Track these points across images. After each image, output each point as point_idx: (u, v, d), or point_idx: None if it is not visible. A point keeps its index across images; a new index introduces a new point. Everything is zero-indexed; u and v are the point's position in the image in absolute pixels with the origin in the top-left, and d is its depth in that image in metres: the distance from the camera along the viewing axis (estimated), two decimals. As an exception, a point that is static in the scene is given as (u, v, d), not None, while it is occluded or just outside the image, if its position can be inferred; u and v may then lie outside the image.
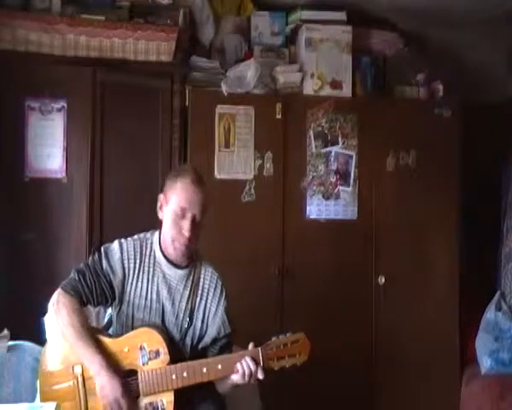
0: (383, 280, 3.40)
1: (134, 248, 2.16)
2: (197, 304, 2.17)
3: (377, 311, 3.41)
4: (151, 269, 2.15)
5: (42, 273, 2.95)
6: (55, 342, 2.10)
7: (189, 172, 2.16)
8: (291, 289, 3.28)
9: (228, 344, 2.20)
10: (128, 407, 2.00)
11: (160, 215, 2.18)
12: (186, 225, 2.09)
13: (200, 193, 2.12)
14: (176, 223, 2.10)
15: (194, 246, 2.16)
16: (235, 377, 2.02)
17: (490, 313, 3.54)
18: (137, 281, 2.14)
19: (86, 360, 2.02)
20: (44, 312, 2.10)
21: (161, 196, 2.18)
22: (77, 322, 2.03)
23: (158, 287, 2.14)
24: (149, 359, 2.03)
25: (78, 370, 2.05)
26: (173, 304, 2.15)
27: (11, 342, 2.49)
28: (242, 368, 2.00)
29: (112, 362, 2.02)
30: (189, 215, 2.09)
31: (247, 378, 2.00)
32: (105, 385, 1.99)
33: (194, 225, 2.10)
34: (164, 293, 2.14)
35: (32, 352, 2.44)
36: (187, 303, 2.16)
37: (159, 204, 2.18)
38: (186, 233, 2.09)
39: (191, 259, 2.18)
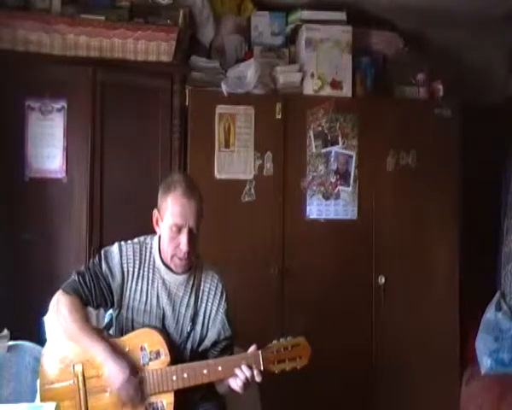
0: (383, 280, 3.40)
1: (134, 252, 2.15)
2: (197, 308, 2.16)
3: (377, 311, 3.41)
4: (150, 274, 2.15)
5: (42, 273, 2.95)
6: (56, 342, 2.10)
7: (178, 184, 2.10)
8: (291, 289, 3.28)
9: (228, 346, 2.19)
10: (138, 386, 1.99)
11: (158, 231, 2.16)
12: (183, 239, 2.06)
13: (192, 203, 2.08)
14: (173, 239, 2.08)
15: (195, 254, 2.14)
16: (233, 385, 2.02)
17: (490, 314, 3.54)
18: (136, 285, 2.14)
19: (92, 350, 2.02)
20: (44, 312, 2.10)
21: (155, 212, 2.16)
22: (78, 317, 2.03)
23: (158, 292, 2.14)
24: (150, 359, 2.03)
25: (78, 369, 2.05)
26: (173, 309, 2.14)
27: (11, 342, 2.48)
28: (239, 376, 1.99)
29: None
30: (184, 230, 2.06)
31: (247, 383, 2.00)
32: (114, 370, 1.98)
33: (192, 236, 2.07)
34: (164, 298, 2.14)
35: (32, 352, 2.44)
36: (187, 308, 2.15)
37: (154, 220, 2.16)
38: (184, 248, 2.06)
39: (191, 264, 2.16)
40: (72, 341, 2.06)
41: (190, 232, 2.07)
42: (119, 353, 2.01)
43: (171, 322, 2.14)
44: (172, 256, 2.10)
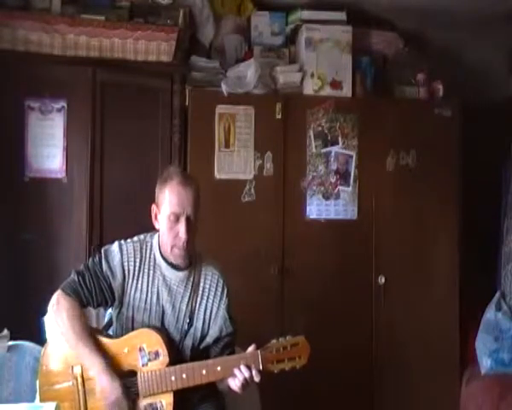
0: (383, 280, 3.40)
1: (134, 251, 2.15)
2: (198, 305, 2.17)
3: (377, 311, 3.41)
4: (151, 272, 2.15)
5: (42, 273, 2.95)
6: (55, 343, 2.10)
7: (174, 175, 2.14)
8: (291, 289, 3.28)
9: (230, 343, 2.19)
10: (128, 408, 2.00)
11: (157, 225, 2.17)
12: (182, 228, 2.08)
13: (189, 192, 2.10)
14: (172, 229, 2.09)
15: (193, 245, 2.15)
16: (232, 385, 2.02)
17: (490, 314, 3.54)
18: (137, 283, 2.14)
19: (86, 362, 2.03)
20: (44, 312, 2.10)
21: (154, 207, 2.17)
22: (76, 324, 2.03)
23: (158, 289, 2.14)
24: (149, 360, 2.04)
25: (77, 370, 2.06)
26: (174, 306, 2.15)
27: (11, 342, 2.49)
28: (238, 376, 1.99)
29: (111, 363, 2.03)
30: (183, 218, 2.08)
31: (245, 384, 1.99)
32: (105, 386, 2.00)
33: (190, 224, 2.09)
34: (164, 295, 2.14)
35: (32, 352, 2.44)
36: (187, 305, 2.15)
37: (153, 215, 2.17)
38: (183, 236, 2.08)
39: (191, 259, 2.17)
40: (67, 345, 2.06)
41: (188, 221, 2.09)
42: (113, 369, 2.01)
43: (172, 319, 2.15)
44: (172, 247, 2.11)
